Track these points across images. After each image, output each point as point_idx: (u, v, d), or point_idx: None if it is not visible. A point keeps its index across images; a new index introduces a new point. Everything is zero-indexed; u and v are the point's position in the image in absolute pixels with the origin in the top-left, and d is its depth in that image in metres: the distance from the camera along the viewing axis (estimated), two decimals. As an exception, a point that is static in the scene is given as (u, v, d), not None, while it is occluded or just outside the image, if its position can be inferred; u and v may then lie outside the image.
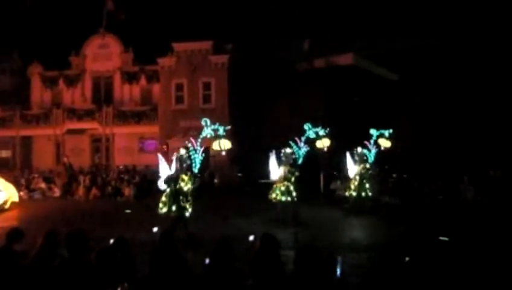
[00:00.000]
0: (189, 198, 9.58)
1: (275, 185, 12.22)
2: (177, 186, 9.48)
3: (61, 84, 27.26)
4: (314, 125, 13.57)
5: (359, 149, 13.86)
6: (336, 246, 8.54)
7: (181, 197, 9.46)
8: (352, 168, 13.98)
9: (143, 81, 26.64)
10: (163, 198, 9.69)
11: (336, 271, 4.01)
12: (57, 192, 20.47)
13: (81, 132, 26.27)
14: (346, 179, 14.64)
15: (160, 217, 9.62)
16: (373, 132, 14.55)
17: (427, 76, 25.70)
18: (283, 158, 12.20)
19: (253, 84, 24.05)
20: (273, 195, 12.08)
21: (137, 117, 25.68)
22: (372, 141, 14.43)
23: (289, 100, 24.34)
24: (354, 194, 13.72)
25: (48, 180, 21.43)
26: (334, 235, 10.37)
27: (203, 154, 9.91)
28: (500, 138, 22.51)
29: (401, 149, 19.84)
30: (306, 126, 13.21)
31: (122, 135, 26.05)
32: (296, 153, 12.55)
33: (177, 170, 9.57)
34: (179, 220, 9.49)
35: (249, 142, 22.42)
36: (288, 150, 12.33)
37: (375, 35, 27.58)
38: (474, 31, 25.72)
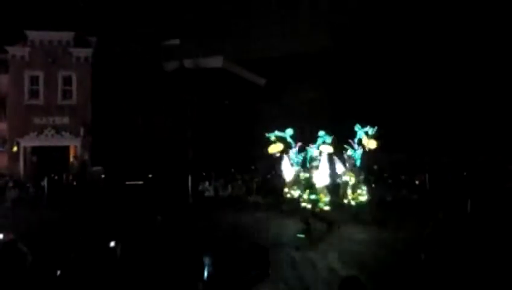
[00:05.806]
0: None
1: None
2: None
3: None
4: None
5: (349, 152, 12.27)
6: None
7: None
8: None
9: (-13, 71, 23.38)
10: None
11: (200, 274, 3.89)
12: None
13: None
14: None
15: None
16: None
17: (291, 81, 27.45)
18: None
19: (119, 81, 22.85)
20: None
21: (-20, 112, 22.48)
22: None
23: (157, 100, 23.73)
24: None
25: None
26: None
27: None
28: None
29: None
30: None
31: (-40, 133, 22.50)
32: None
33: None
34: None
35: (115, 142, 21.25)
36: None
37: (244, 41, 28.56)
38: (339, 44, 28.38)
